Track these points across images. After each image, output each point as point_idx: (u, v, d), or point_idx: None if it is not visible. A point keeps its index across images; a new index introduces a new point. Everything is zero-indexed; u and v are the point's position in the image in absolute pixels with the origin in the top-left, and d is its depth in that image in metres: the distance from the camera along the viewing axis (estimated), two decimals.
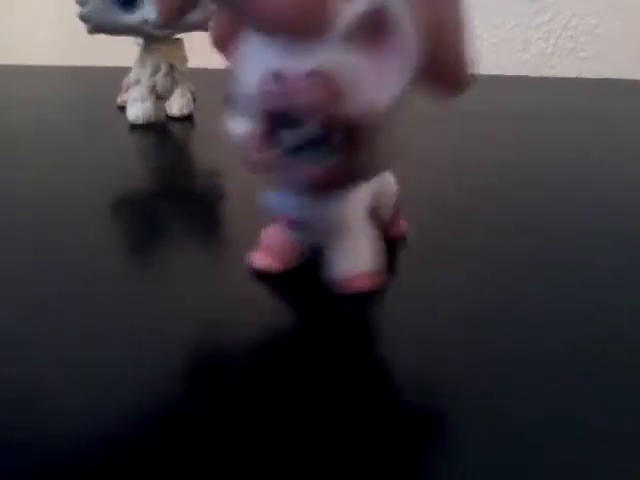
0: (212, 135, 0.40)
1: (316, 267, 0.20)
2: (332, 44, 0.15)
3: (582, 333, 0.17)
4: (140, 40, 0.42)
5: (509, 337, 0.17)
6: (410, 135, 0.17)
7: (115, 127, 0.41)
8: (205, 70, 0.38)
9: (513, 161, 0.34)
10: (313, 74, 0.15)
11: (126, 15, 0.38)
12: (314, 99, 0.15)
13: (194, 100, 0.44)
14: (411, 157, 0.21)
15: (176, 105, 0.43)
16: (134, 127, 0.41)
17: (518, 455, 0.13)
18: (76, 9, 0.38)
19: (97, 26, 0.38)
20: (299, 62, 0.15)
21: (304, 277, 0.20)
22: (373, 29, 0.15)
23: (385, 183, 0.22)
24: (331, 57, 0.15)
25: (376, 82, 0.15)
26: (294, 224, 0.20)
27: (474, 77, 0.16)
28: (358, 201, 0.20)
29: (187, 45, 0.43)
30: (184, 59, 0.44)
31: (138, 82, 0.42)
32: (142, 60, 0.42)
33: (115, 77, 0.47)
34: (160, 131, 0.41)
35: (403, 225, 0.24)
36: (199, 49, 0.43)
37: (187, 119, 0.43)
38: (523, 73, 0.65)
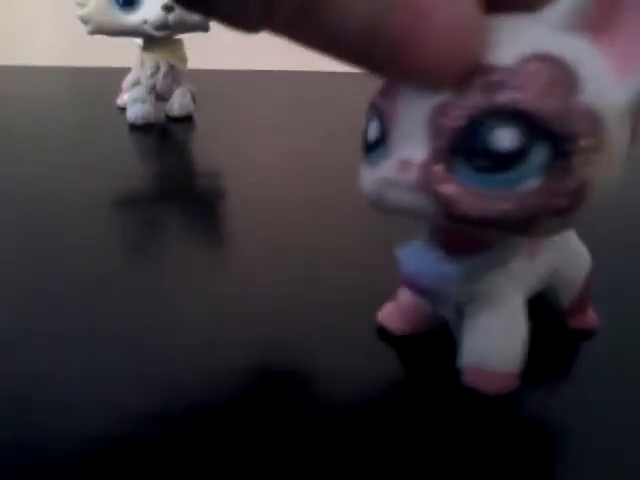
0: (212, 136, 0.40)
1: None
2: (550, 27, 0.11)
3: None
4: (140, 41, 0.42)
5: None
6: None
7: (115, 128, 0.41)
8: (205, 70, 0.38)
9: None
10: (536, 58, 0.11)
11: (126, 16, 0.38)
12: (540, 86, 0.11)
13: (194, 100, 0.44)
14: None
15: (176, 106, 0.43)
16: (134, 128, 0.41)
17: None
18: (76, 10, 0.38)
19: (97, 27, 0.38)
20: (509, 47, 0.11)
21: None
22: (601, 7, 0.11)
23: (571, 251, 0.17)
24: (553, 40, 0.11)
25: (615, 74, 0.11)
26: (422, 292, 0.16)
27: None
28: (520, 274, 0.15)
29: (187, 45, 0.43)
30: (184, 59, 0.44)
31: (138, 83, 0.42)
32: (142, 61, 0.42)
33: (115, 78, 0.47)
34: (160, 132, 0.41)
35: (591, 317, 0.18)
36: (199, 50, 0.43)
37: (187, 120, 0.43)
38: None
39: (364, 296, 0.19)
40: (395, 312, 0.17)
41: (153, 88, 0.42)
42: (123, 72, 0.44)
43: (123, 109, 0.43)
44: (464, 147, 0.11)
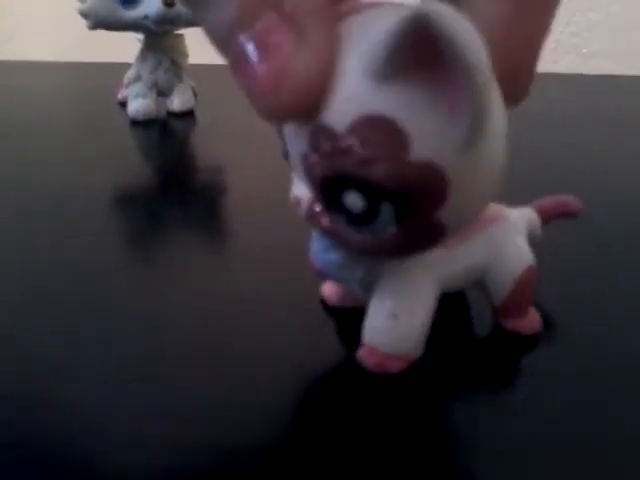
0: (213, 131, 0.40)
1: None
2: (376, 79, 0.11)
3: None
4: (141, 36, 0.42)
5: None
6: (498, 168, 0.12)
7: (116, 123, 0.41)
8: (206, 66, 0.38)
9: None
10: (367, 121, 0.11)
11: (127, 11, 0.38)
12: (372, 153, 0.11)
13: (195, 96, 0.44)
14: None
15: (177, 101, 0.43)
16: (135, 123, 0.41)
17: None
18: (76, 5, 0.38)
19: (98, 22, 0.38)
20: (344, 109, 0.11)
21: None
22: (424, 56, 0.10)
23: (502, 252, 0.16)
24: (381, 99, 0.11)
25: (442, 124, 0.10)
26: (318, 274, 0.17)
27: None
28: (433, 263, 0.15)
29: (188, 41, 0.43)
30: (185, 55, 0.43)
31: (139, 78, 0.42)
32: (143, 56, 0.42)
33: (116, 73, 0.46)
34: (161, 127, 0.41)
35: (531, 321, 0.17)
36: (200, 45, 0.43)
37: (188, 115, 0.43)
38: None
39: None
40: (332, 288, 0.18)
41: (154, 83, 0.42)
42: (124, 67, 0.44)
43: (124, 104, 0.43)
44: (329, 199, 0.13)
